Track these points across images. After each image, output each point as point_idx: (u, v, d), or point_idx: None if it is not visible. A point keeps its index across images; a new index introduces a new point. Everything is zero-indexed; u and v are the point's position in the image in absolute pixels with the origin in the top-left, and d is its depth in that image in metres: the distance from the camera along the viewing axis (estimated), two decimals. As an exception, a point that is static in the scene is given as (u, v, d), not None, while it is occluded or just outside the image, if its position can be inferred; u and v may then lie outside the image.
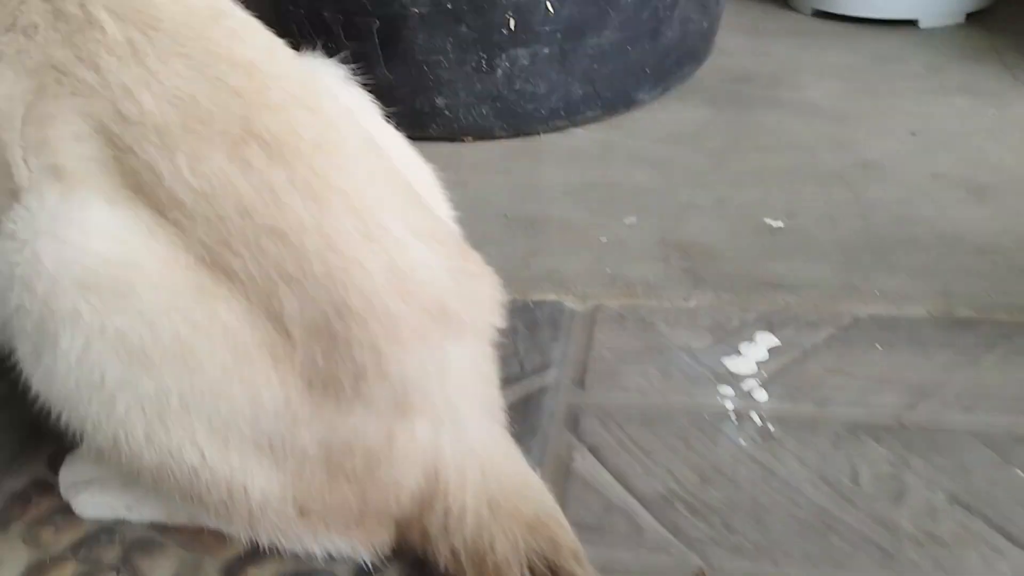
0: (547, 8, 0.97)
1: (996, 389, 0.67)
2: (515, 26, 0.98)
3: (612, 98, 1.10)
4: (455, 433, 0.51)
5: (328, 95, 0.54)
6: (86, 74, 0.48)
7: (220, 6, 0.53)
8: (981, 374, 0.69)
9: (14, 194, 0.49)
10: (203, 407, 0.46)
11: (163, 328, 0.45)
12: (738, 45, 1.31)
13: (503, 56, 1.00)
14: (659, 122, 1.11)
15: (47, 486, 0.62)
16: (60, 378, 0.46)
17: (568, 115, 1.08)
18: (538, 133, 1.09)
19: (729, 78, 1.22)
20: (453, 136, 1.07)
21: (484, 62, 1.00)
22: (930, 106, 1.12)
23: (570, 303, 0.80)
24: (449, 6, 0.95)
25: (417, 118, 1.05)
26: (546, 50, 1.01)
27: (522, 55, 1.00)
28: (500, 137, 1.08)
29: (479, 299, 0.52)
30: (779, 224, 0.90)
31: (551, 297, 0.81)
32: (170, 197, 0.46)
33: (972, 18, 1.36)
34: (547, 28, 0.99)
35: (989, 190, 0.93)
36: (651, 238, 0.88)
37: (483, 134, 1.09)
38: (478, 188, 0.98)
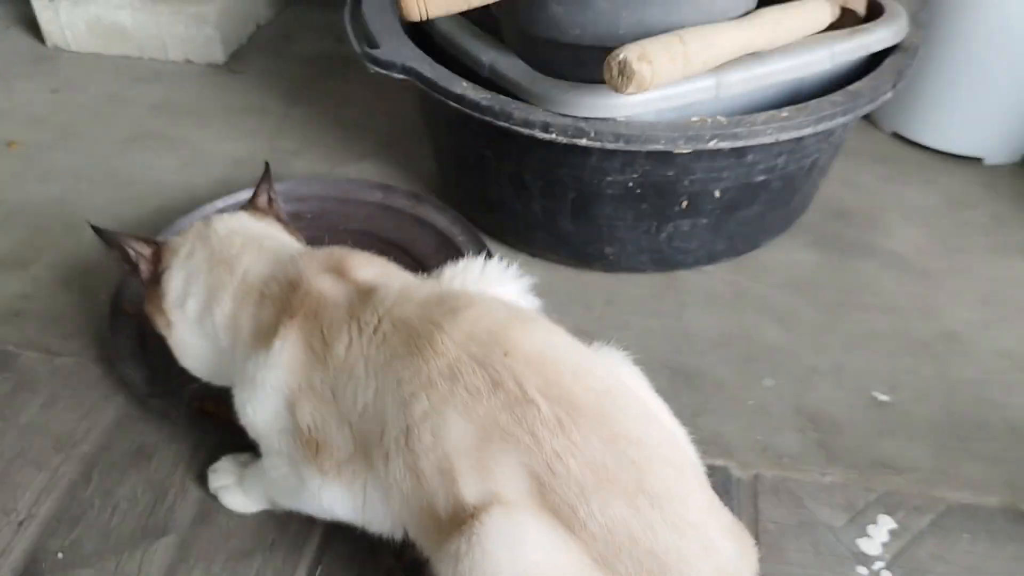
0: (715, 195, 1.18)
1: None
2: (686, 206, 1.19)
3: (744, 248, 1.32)
4: None
5: (668, 432, 0.77)
6: (525, 437, 0.70)
7: (615, 385, 0.75)
8: (1040, 570, 0.96)
9: (457, 499, 0.72)
10: None
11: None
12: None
13: (670, 224, 1.22)
14: (778, 264, 1.34)
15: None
16: None
17: (707, 261, 1.31)
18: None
19: (830, 214, 1.44)
20: (609, 269, 1.30)
21: (654, 228, 1.22)
22: (996, 267, 1.36)
23: (735, 470, 1.05)
24: (638, 191, 1.16)
25: (584, 257, 1.28)
26: (704, 220, 1.22)
27: (685, 224, 1.22)
28: (647, 271, 1.31)
29: (750, 566, 0.77)
30: (886, 398, 1.15)
31: (720, 462, 1.06)
32: (581, 525, 0.70)
33: (1029, 158, 1.59)
34: (710, 207, 1.20)
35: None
36: (787, 405, 1.13)
37: (635, 271, 1.31)
38: (639, 332, 1.22)
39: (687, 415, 1.10)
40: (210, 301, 0.88)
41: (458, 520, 0.72)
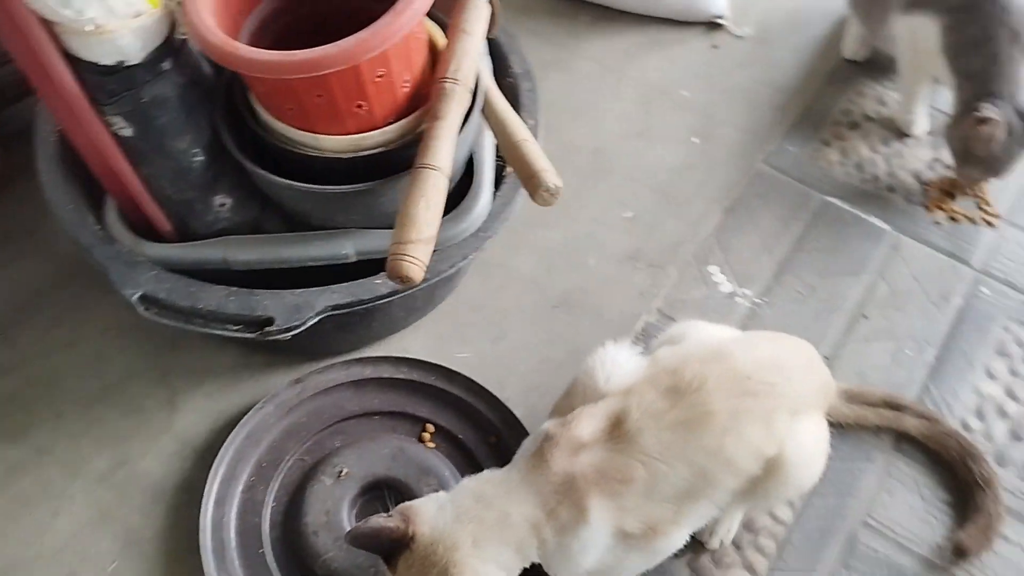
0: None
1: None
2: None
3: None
4: None
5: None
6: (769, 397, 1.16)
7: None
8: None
9: (767, 455, 1.13)
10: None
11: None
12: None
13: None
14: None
15: None
16: None
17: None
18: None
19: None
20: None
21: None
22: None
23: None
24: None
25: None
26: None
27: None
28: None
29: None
30: (630, 214, 1.74)
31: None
32: None
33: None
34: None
35: (646, 134, 1.87)
36: (617, 256, 1.67)
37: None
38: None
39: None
40: (522, 557, 1.09)
41: (771, 465, 1.16)
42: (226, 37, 1.07)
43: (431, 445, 1.42)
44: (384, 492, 1.34)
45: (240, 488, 1.35)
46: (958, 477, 1.38)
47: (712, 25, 2.06)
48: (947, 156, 1.73)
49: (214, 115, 1.24)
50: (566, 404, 1.19)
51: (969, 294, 1.63)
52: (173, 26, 1.15)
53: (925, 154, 1.85)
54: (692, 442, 1.10)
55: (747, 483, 1.15)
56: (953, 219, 1.76)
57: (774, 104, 1.92)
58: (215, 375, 1.48)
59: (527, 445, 1.15)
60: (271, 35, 1.21)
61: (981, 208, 1.78)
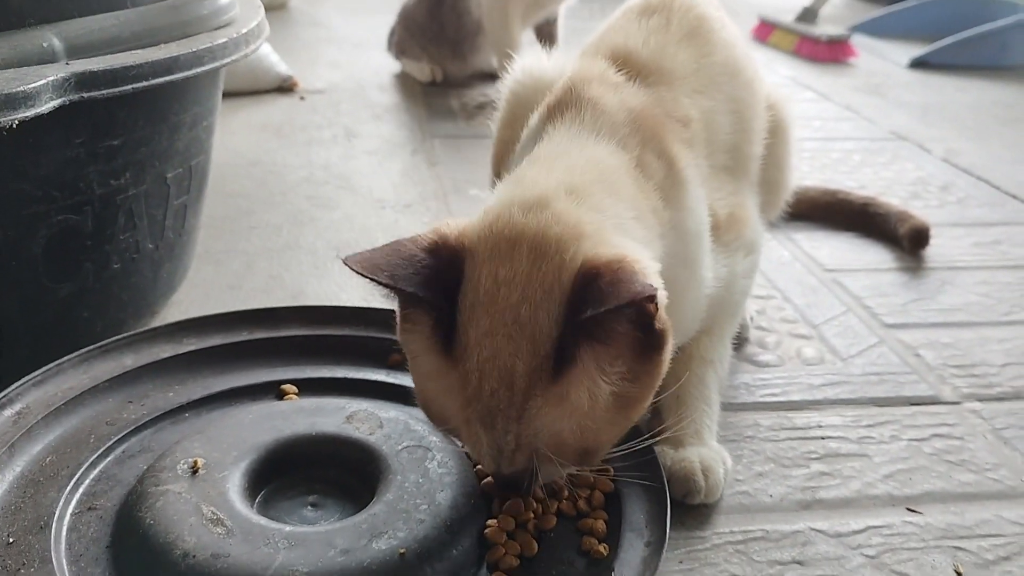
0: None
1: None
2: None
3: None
4: None
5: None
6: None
7: None
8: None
9: None
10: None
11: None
12: None
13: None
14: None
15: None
16: None
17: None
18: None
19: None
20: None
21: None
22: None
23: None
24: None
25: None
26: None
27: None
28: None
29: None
30: (476, 192, 1.35)
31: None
32: None
33: None
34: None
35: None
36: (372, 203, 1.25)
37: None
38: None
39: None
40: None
41: (772, 115, 0.93)
42: None
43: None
44: (292, 468, 0.72)
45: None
46: (840, 220, 1.31)
47: (282, 89, 1.85)
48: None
49: None
50: (507, 135, 0.87)
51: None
52: None
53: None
54: (706, 57, 0.84)
55: (762, 140, 0.90)
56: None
57: (402, 121, 1.75)
58: None
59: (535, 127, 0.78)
60: None
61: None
